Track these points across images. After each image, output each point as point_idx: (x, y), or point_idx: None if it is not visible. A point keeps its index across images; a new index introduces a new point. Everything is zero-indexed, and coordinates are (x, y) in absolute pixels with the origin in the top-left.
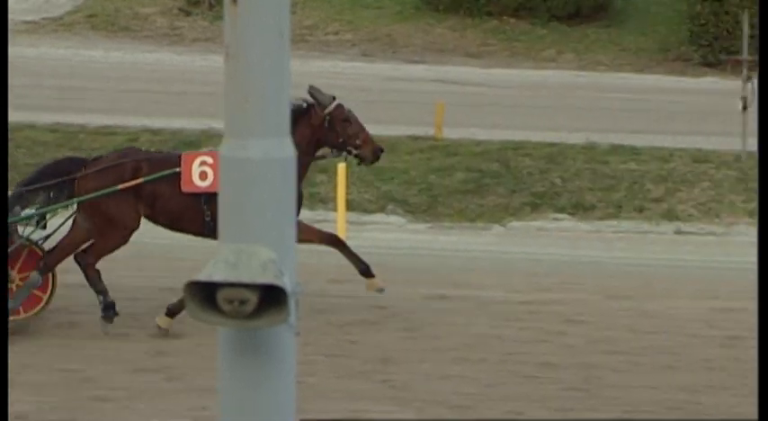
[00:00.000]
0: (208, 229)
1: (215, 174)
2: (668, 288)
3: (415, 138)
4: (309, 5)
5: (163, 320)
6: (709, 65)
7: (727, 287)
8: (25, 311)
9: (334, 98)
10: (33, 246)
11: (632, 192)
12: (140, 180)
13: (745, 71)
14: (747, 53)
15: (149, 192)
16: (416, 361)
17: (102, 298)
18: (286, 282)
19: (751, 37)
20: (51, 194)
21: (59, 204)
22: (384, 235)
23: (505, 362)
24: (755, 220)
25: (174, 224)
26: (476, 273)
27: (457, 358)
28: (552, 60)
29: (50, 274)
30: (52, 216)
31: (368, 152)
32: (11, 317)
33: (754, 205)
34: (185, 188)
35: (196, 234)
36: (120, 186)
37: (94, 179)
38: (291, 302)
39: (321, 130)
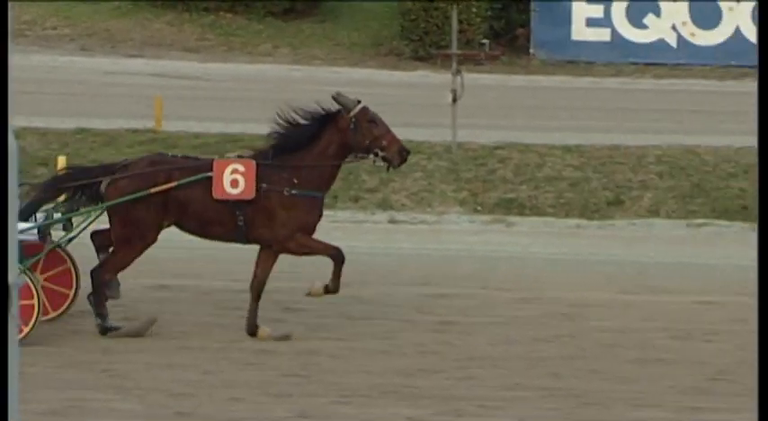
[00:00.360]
0: (239, 235)
1: (247, 182)
2: (384, 275)
3: (135, 131)
4: (27, 1)
5: (263, 331)
6: (420, 59)
7: (440, 273)
8: (54, 310)
9: (358, 101)
10: (58, 249)
11: (348, 183)
12: (172, 184)
13: (454, 65)
14: (456, 47)
15: (179, 198)
16: (136, 351)
17: (100, 321)
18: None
19: (460, 32)
20: (79, 199)
21: (87, 210)
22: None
23: (225, 350)
24: (465, 209)
25: (204, 230)
26: (196, 263)
27: (178, 347)
28: (268, 55)
29: (73, 271)
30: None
31: (394, 153)
32: (42, 317)
33: (465, 194)
34: (217, 195)
35: (227, 240)
36: (153, 190)
37: (124, 186)
38: (13, 294)
39: (348, 134)
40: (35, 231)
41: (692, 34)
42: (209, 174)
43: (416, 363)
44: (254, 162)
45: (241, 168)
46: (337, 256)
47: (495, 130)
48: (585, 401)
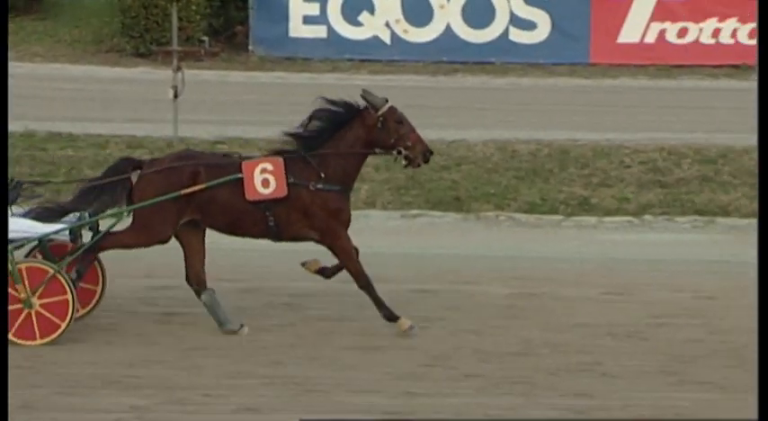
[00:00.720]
0: (271, 233)
1: (277, 181)
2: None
3: None
4: None
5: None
6: (141, 55)
7: (162, 265)
8: (83, 307)
9: (386, 100)
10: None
11: (71, 176)
12: (202, 186)
13: (175, 61)
14: (177, 44)
15: (206, 198)
16: None
17: (74, 275)
18: None
19: (180, 29)
20: (108, 197)
21: (118, 209)
22: None
23: None
24: None
25: (233, 228)
26: None
27: None
28: None
29: (99, 267)
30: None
31: (418, 153)
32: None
33: None
34: (250, 197)
35: (258, 237)
36: (184, 192)
37: (151, 181)
38: None
39: (374, 131)
40: (65, 231)
41: (405, 31)
42: (240, 175)
43: (140, 354)
44: (281, 159)
45: (270, 167)
46: (360, 281)
47: (216, 125)
48: (306, 388)
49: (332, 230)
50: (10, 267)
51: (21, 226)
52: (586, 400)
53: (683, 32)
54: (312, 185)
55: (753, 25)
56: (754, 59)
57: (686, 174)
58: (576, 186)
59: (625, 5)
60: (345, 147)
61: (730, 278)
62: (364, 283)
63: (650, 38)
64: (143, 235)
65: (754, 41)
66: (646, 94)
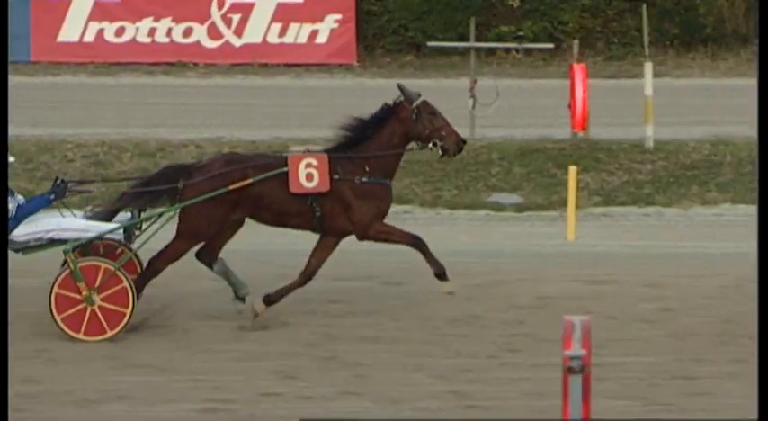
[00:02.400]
0: (317, 225)
1: (321, 175)
2: None
3: None
4: None
5: (259, 305)
6: None
7: None
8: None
9: (419, 94)
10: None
11: None
12: (248, 181)
13: None
14: None
15: (254, 194)
16: None
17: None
18: None
19: None
20: (155, 201)
21: (163, 210)
22: None
23: None
24: None
25: (281, 221)
26: None
27: None
28: None
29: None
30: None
31: (452, 144)
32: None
33: None
34: (294, 189)
35: (304, 229)
36: (231, 187)
37: (201, 187)
38: None
39: (409, 124)
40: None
41: None
42: (285, 169)
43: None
44: (326, 155)
45: (314, 162)
46: (417, 244)
47: None
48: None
49: (365, 222)
50: (72, 266)
51: (76, 226)
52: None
53: (120, 31)
54: (358, 179)
55: (188, 24)
56: (189, 57)
57: (127, 167)
58: (21, 180)
59: (64, 5)
60: (385, 141)
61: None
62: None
63: (89, 37)
64: (191, 237)
65: (189, 40)
66: (86, 91)
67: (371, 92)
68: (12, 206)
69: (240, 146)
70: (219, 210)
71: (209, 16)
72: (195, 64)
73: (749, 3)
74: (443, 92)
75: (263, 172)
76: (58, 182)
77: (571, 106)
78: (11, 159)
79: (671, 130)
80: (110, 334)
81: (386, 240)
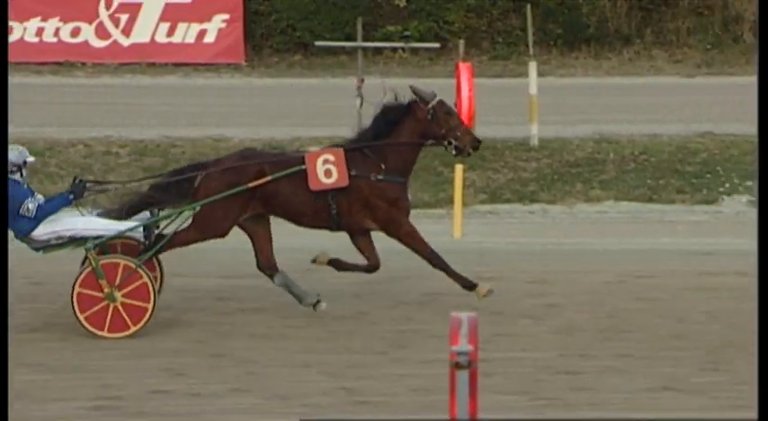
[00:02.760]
0: (333, 222)
1: (339, 171)
2: None
3: None
4: None
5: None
6: None
7: None
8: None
9: (435, 94)
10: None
11: None
12: (267, 178)
13: None
14: None
15: (270, 191)
16: None
17: None
18: None
19: None
20: (174, 197)
21: (185, 207)
22: None
23: None
24: None
25: (298, 218)
26: None
27: None
28: None
29: (157, 263)
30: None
31: (467, 143)
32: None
33: None
34: (313, 187)
35: (321, 227)
36: (251, 185)
37: (217, 179)
38: None
39: (425, 123)
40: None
41: None
42: (303, 166)
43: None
44: (342, 150)
45: (331, 158)
46: (434, 261)
47: None
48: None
49: (394, 220)
50: (94, 264)
51: (96, 224)
52: None
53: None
54: (373, 176)
55: (75, 24)
56: (77, 57)
57: None
58: None
59: None
60: (402, 139)
61: None
62: (437, 262)
63: None
64: (203, 230)
65: (76, 39)
66: None
67: (259, 91)
68: (32, 206)
69: (128, 145)
70: (235, 207)
71: (97, 16)
72: (83, 63)
73: (631, 2)
74: (331, 91)
75: (280, 169)
76: (77, 181)
77: (457, 105)
78: (30, 159)
79: (555, 129)
80: (133, 329)
81: (409, 245)
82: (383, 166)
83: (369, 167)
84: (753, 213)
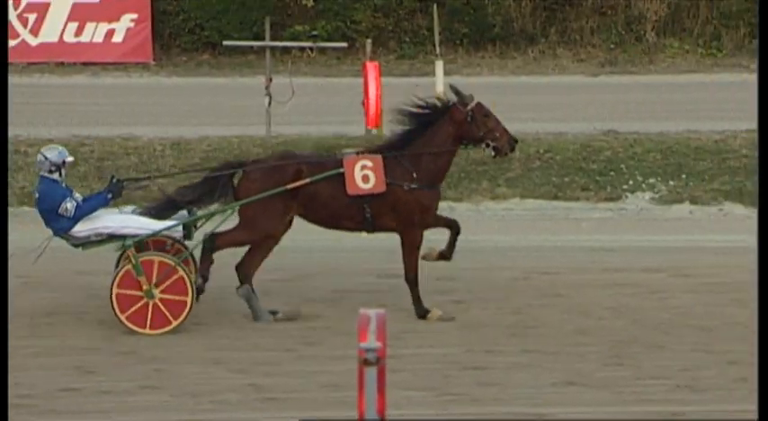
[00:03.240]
0: (367, 225)
1: (377, 177)
2: None
3: None
4: None
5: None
6: None
7: None
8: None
9: (473, 96)
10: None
11: None
12: (306, 180)
13: None
14: None
15: (309, 193)
16: None
17: (200, 280)
18: None
19: None
20: (211, 196)
21: (227, 206)
22: None
23: None
24: None
25: (334, 221)
26: None
27: None
28: None
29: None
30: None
31: (505, 143)
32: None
33: None
34: (351, 191)
35: (354, 230)
36: (290, 186)
37: (257, 180)
38: None
39: (464, 126)
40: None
41: None
42: (341, 170)
43: None
44: (380, 157)
45: (369, 163)
46: (411, 279)
47: None
48: None
49: (410, 229)
50: (134, 261)
51: (134, 223)
52: None
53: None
54: (407, 186)
55: None
56: None
57: None
58: None
59: None
60: (437, 144)
61: None
62: (412, 278)
63: None
64: (251, 231)
65: None
66: None
67: (168, 90)
68: (70, 206)
69: (37, 145)
70: (279, 207)
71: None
72: None
73: (535, 2)
74: (239, 90)
75: (318, 172)
76: (114, 180)
77: (365, 104)
78: (69, 159)
79: None
80: (174, 324)
81: (404, 255)
82: (415, 175)
83: (401, 175)
84: (656, 210)
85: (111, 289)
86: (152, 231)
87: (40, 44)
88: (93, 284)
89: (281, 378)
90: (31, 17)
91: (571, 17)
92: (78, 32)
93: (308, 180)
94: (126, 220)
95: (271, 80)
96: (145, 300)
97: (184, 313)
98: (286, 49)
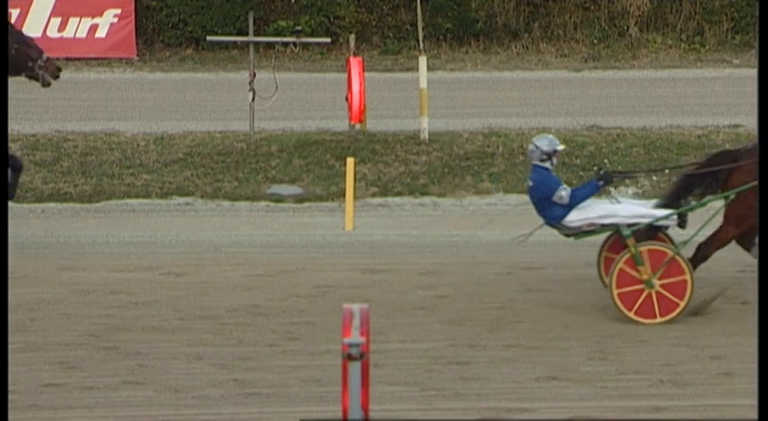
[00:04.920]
0: None
1: None
2: None
3: None
4: None
5: None
6: None
7: None
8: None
9: None
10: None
11: None
12: None
13: None
14: None
15: None
16: None
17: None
18: None
19: None
20: (705, 186)
21: (716, 197)
22: None
23: None
24: None
25: None
26: None
27: None
28: None
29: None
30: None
31: None
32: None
33: None
34: None
35: None
36: None
37: (751, 172)
38: None
39: None
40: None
41: None
42: None
43: None
44: None
45: None
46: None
47: None
48: None
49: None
50: (633, 250)
51: (627, 211)
52: None
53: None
54: None
55: None
56: None
57: None
58: None
59: None
60: None
61: None
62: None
63: None
64: (739, 223)
65: None
66: None
67: (151, 85)
68: (564, 193)
69: (20, 139)
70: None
71: None
72: None
73: None
74: (223, 85)
75: None
76: (602, 172)
77: (348, 99)
78: (560, 147)
79: (445, 123)
80: (659, 320)
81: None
82: None
83: None
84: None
85: (617, 264)
86: (649, 219)
87: None
88: (76, 280)
89: (263, 373)
90: (15, 12)
91: (554, 12)
92: (62, 28)
93: None
94: (617, 210)
95: (254, 75)
96: (641, 286)
97: (673, 314)
98: (269, 45)
